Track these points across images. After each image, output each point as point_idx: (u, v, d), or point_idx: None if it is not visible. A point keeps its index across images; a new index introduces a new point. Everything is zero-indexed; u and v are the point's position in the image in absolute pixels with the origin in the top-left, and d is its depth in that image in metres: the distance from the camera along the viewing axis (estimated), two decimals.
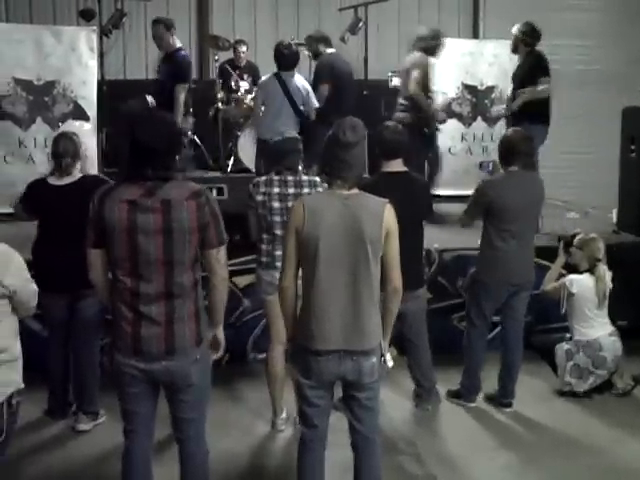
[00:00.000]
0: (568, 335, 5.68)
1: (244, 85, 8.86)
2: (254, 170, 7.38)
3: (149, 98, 7.35)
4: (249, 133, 8.15)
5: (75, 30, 7.99)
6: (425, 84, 7.31)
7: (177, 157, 3.43)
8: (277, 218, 4.71)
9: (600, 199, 8.18)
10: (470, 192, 5.39)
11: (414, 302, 4.91)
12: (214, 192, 6.03)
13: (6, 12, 9.93)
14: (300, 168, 4.95)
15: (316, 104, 7.10)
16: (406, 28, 10.50)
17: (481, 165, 7.52)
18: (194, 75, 8.69)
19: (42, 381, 4.99)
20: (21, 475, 4.45)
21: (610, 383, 5.65)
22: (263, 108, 7.20)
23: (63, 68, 7.71)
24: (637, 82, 10.42)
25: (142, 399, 3.48)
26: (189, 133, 7.79)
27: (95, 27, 7.93)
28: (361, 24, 8.34)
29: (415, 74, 7.19)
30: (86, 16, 8.12)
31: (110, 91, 7.96)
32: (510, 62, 7.50)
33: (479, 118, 8.97)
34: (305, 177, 4.86)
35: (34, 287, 3.58)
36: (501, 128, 7.73)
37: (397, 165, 5.00)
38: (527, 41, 6.92)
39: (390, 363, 3.63)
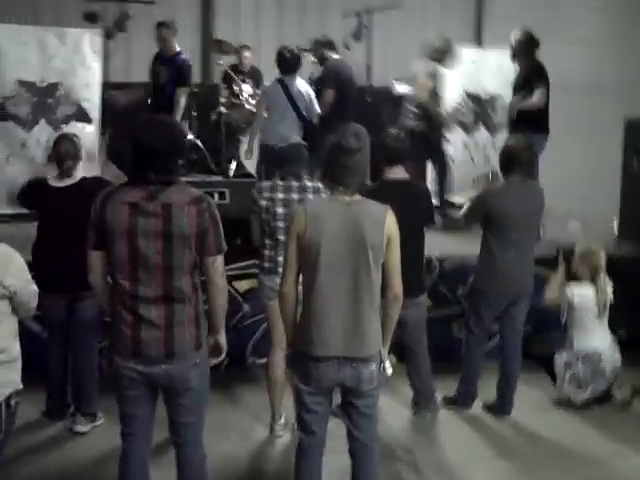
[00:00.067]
0: (567, 344, 5.68)
1: (247, 90, 8.86)
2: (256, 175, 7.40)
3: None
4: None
5: (79, 32, 7.99)
6: (436, 94, 7.39)
7: (180, 161, 3.43)
8: (280, 224, 4.70)
9: (601, 209, 8.17)
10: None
11: (414, 309, 4.90)
12: (216, 196, 6.02)
13: (11, 13, 9.93)
14: (305, 174, 4.95)
15: (318, 109, 7.11)
16: (410, 35, 10.55)
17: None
18: (198, 79, 8.70)
19: (41, 382, 4.98)
20: (17, 476, 4.44)
21: (609, 394, 5.64)
22: (266, 114, 7.22)
23: (67, 70, 7.70)
24: None
25: (141, 402, 3.49)
26: (192, 137, 7.80)
27: (99, 29, 7.95)
28: (365, 31, 8.36)
29: (428, 83, 7.26)
30: (90, 19, 8.14)
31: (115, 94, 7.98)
32: (513, 71, 7.50)
33: (482, 127, 8.97)
34: (309, 183, 4.86)
35: (34, 288, 3.59)
36: (504, 137, 7.73)
37: (399, 172, 5.01)
38: (525, 49, 6.93)
39: (389, 371, 3.64)
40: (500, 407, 5.42)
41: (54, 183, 4.94)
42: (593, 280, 5.58)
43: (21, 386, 3.52)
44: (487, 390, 5.51)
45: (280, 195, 4.77)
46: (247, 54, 9.33)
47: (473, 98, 8.91)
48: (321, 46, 7.68)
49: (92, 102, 7.80)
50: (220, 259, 3.43)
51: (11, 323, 3.50)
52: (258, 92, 8.53)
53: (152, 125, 3.44)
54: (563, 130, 7.56)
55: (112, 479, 3.70)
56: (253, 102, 8.57)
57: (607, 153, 7.96)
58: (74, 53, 7.70)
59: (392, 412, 5.28)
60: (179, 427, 3.56)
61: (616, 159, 7.31)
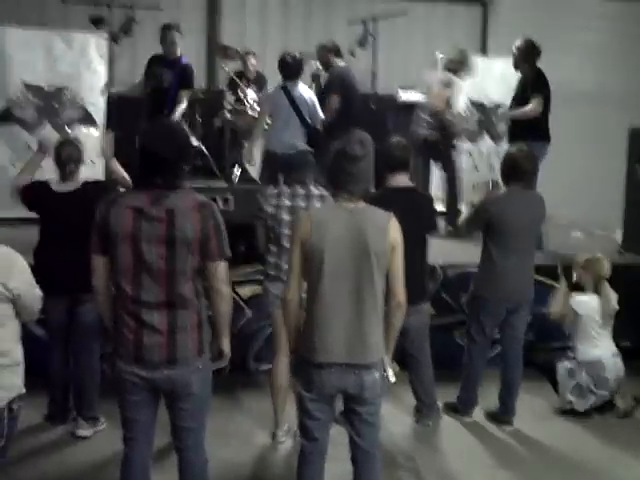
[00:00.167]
0: (570, 353, 5.67)
1: (252, 96, 8.86)
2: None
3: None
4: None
5: (85, 36, 8.01)
6: (451, 104, 7.53)
7: (185, 167, 3.43)
8: (286, 230, 4.69)
9: (605, 218, 8.17)
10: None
11: (416, 317, 4.88)
12: (220, 202, 6.02)
13: (17, 17, 9.94)
14: (311, 181, 4.95)
15: (322, 115, 7.11)
16: (415, 43, 10.57)
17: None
18: (202, 84, 8.70)
19: (43, 386, 4.98)
20: None
21: (612, 403, 5.64)
22: (269, 120, 7.22)
23: (72, 74, 7.73)
24: None
25: (142, 407, 3.48)
26: (196, 143, 7.81)
27: (105, 33, 7.97)
28: (370, 38, 8.37)
29: (445, 93, 7.32)
30: (96, 22, 8.16)
31: (119, 98, 7.98)
32: (517, 79, 7.51)
33: (486, 135, 8.97)
34: (316, 190, 4.85)
35: (39, 292, 3.59)
36: (507, 146, 7.75)
37: (403, 180, 5.01)
38: (526, 57, 6.94)
39: (392, 379, 3.63)
40: (502, 415, 5.42)
41: (56, 187, 4.95)
42: (597, 289, 5.57)
43: (24, 390, 3.51)
44: (488, 398, 5.50)
45: (286, 202, 4.77)
46: (253, 61, 9.30)
47: (477, 106, 8.93)
48: (327, 51, 7.69)
49: (97, 106, 7.83)
50: (223, 265, 3.42)
51: (14, 326, 3.50)
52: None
53: (158, 130, 3.45)
54: (567, 138, 7.58)
55: None
56: (258, 108, 8.57)
57: (611, 162, 7.96)
58: (80, 57, 7.74)
59: (394, 419, 5.27)
60: (181, 432, 3.56)
61: (620, 168, 7.30)
